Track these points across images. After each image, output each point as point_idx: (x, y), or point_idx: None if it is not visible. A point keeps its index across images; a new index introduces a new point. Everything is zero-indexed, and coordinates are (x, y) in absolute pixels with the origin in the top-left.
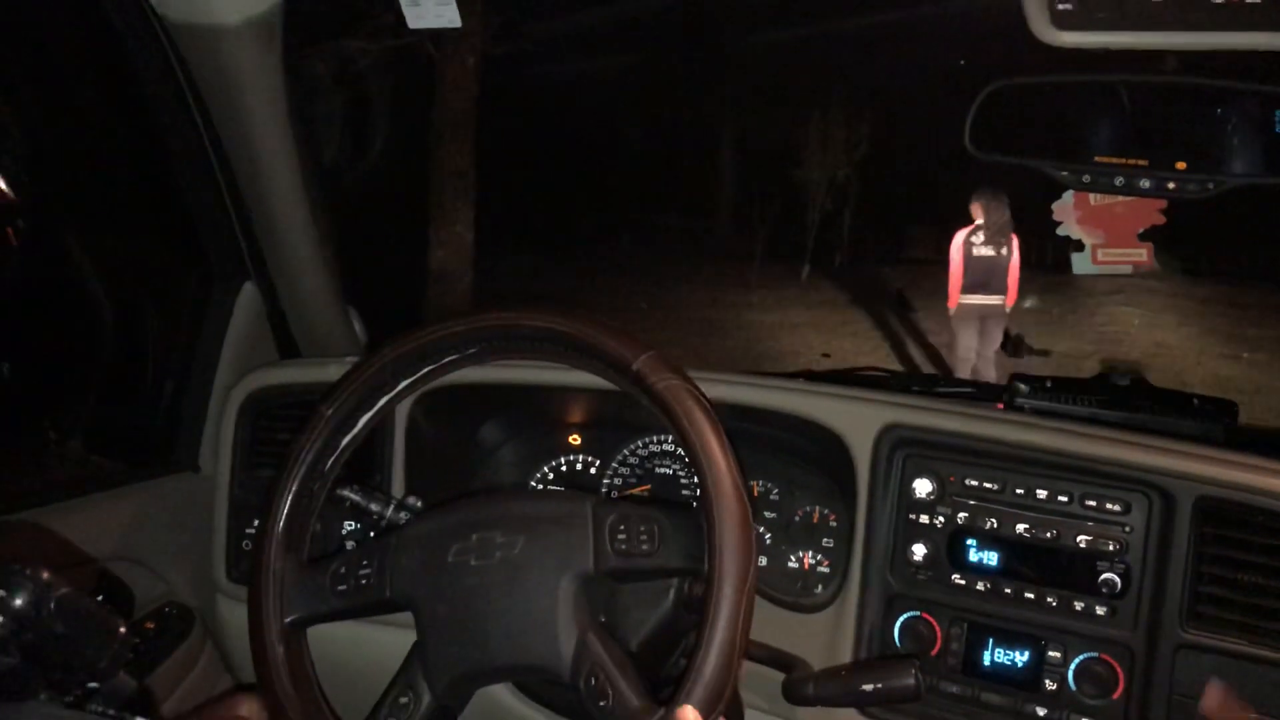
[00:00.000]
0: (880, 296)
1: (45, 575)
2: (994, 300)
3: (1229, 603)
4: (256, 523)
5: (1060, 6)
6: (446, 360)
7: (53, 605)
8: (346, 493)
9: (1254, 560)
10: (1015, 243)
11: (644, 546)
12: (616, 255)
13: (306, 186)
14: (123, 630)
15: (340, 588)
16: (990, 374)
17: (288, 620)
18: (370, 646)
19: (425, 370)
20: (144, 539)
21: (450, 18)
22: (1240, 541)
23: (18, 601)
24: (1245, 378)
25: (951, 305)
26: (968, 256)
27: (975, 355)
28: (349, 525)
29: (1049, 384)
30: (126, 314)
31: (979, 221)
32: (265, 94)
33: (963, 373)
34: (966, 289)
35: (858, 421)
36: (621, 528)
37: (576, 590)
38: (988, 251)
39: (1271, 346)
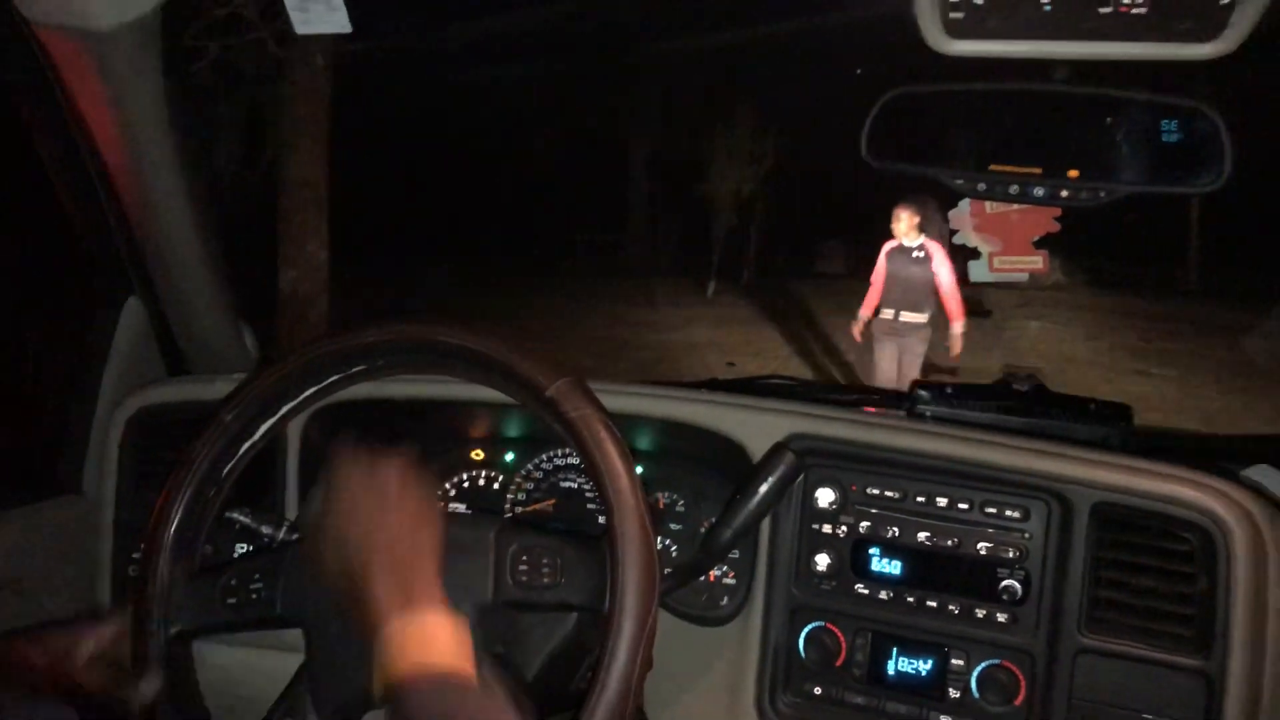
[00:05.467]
0: (789, 313)
1: None
2: (918, 318)
3: (1126, 607)
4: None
5: (953, 15)
6: (354, 370)
7: None
8: (236, 515)
9: (1149, 564)
10: (946, 256)
11: (545, 580)
12: (520, 269)
13: (192, 195)
14: None
15: (230, 600)
16: None
17: (174, 631)
18: (260, 672)
19: (331, 379)
20: (24, 566)
21: (340, 23)
22: (1136, 546)
23: None
24: (1160, 395)
25: (864, 314)
26: (895, 271)
27: (892, 374)
28: (240, 548)
29: (950, 390)
30: (3, 330)
31: (900, 232)
32: (145, 99)
33: None
34: (888, 305)
35: (761, 432)
36: (524, 558)
37: (473, 620)
38: (914, 268)
39: (1181, 360)
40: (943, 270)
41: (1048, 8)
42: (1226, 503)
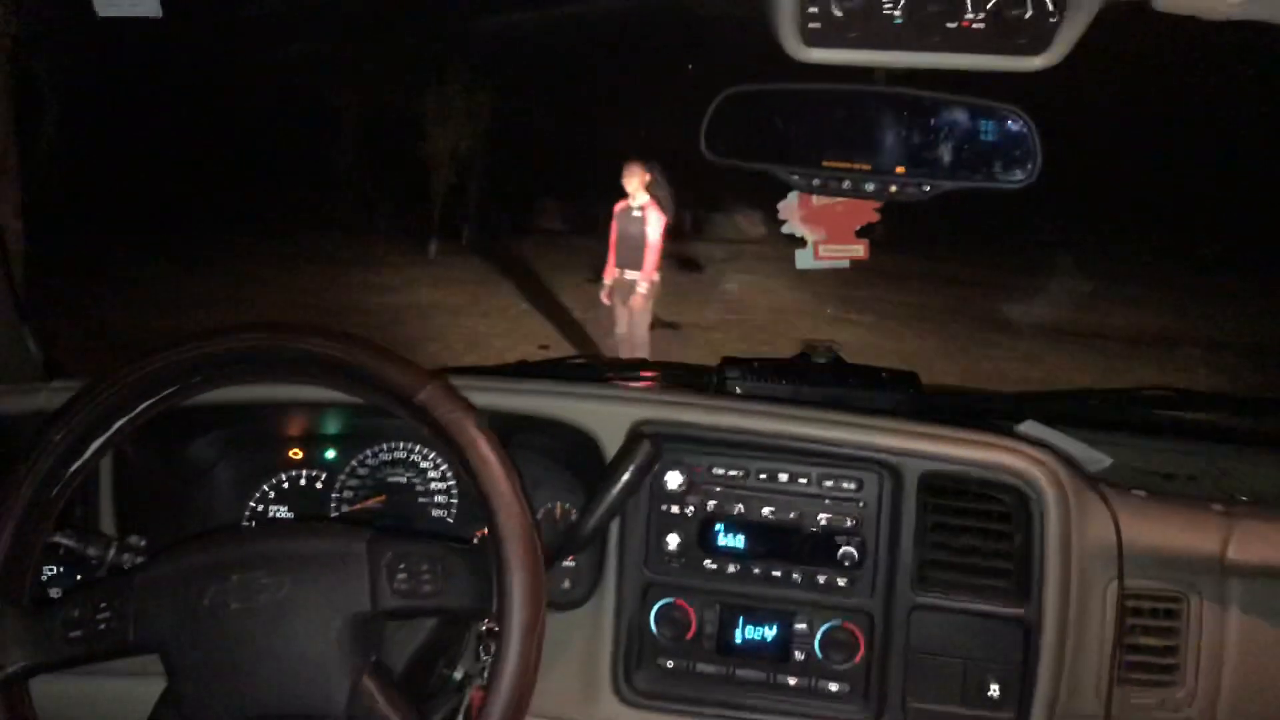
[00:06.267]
0: (513, 271)
1: None
2: (639, 276)
3: (953, 566)
4: None
5: (811, 26)
6: (194, 381)
7: None
8: (58, 539)
9: (972, 525)
10: (659, 217)
11: (426, 587)
12: (231, 239)
13: None
14: None
15: (73, 634)
16: (642, 352)
17: (8, 672)
18: (112, 704)
19: (169, 392)
20: None
21: (149, 7)
22: (959, 509)
23: None
24: (862, 340)
25: (606, 278)
26: (619, 230)
27: (626, 331)
28: (51, 570)
29: (756, 365)
30: None
31: (630, 189)
32: None
33: (623, 352)
34: (619, 264)
35: (611, 421)
36: (401, 566)
37: (351, 632)
38: (633, 226)
39: (875, 307)
40: (653, 229)
41: (899, 21)
42: (1038, 465)
